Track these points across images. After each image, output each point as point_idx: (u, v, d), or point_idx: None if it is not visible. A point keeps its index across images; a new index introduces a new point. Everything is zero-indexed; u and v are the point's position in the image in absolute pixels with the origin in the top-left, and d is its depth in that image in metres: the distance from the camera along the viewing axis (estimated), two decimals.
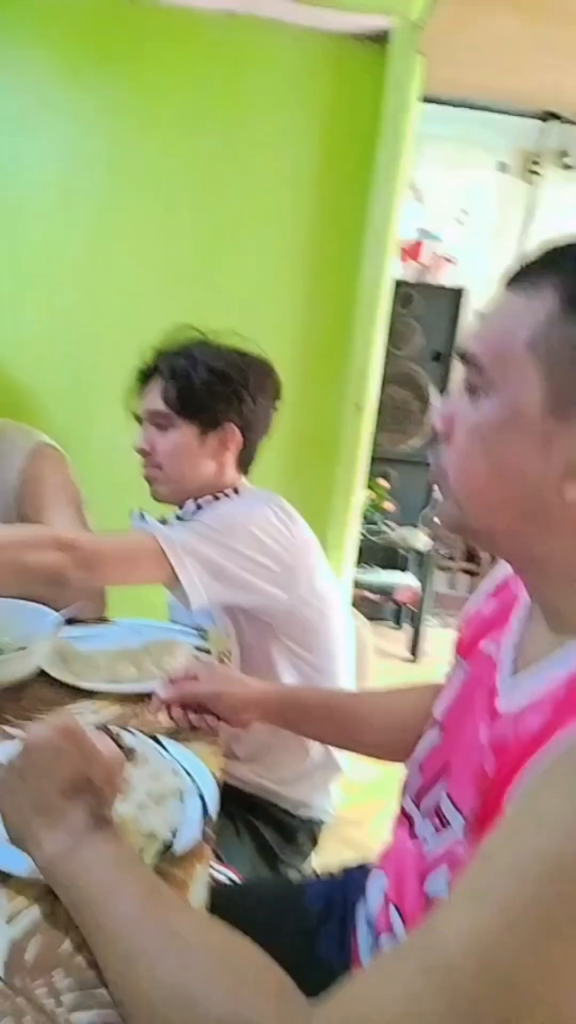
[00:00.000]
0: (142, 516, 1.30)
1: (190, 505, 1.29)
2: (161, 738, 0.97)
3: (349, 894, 0.86)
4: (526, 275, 0.57)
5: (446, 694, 0.77)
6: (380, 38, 2.27)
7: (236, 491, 1.32)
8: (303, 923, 0.89)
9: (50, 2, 2.22)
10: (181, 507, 1.31)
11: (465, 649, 0.77)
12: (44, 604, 1.13)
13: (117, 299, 2.39)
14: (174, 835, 0.79)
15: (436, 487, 0.65)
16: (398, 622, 4.18)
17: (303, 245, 2.43)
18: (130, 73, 2.29)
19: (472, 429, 0.59)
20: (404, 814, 0.78)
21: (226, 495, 1.30)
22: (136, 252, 2.39)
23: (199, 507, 1.28)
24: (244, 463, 1.34)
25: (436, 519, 0.66)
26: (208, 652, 1.27)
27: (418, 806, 0.75)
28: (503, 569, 0.79)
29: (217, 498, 1.29)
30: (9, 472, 1.40)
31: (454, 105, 3.58)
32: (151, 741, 0.96)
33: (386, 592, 3.80)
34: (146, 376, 1.32)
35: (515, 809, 0.50)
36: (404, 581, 3.85)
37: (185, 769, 0.92)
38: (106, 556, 1.10)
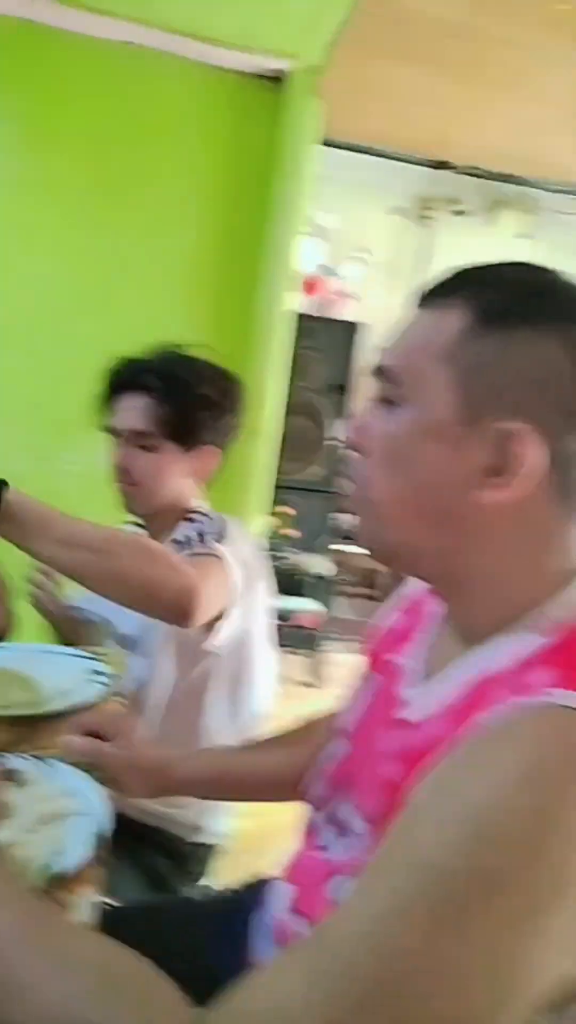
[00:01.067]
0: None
1: (190, 532, 1.23)
2: (52, 761, 0.95)
3: (246, 907, 0.86)
4: (435, 295, 0.61)
5: (353, 705, 0.78)
6: (279, 79, 2.36)
7: (206, 514, 1.29)
8: (197, 938, 0.88)
9: None
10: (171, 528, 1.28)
11: (373, 661, 0.78)
12: None
13: (13, 323, 2.35)
14: (62, 857, 0.77)
15: (353, 507, 0.64)
16: (300, 647, 4.21)
17: (204, 274, 2.47)
18: (26, 96, 2.28)
19: (389, 440, 0.60)
20: (308, 824, 0.79)
21: (208, 517, 1.27)
22: (32, 278, 2.37)
23: (201, 537, 1.22)
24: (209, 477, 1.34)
25: (357, 540, 0.65)
26: (106, 675, 1.25)
27: (323, 815, 0.76)
28: (413, 585, 0.80)
29: (200, 520, 1.26)
30: None
31: (352, 149, 3.74)
32: (42, 764, 0.94)
33: (287, 618, 3.83)
34: (121, 387, 1.26)
35: (411, 807, 0.51)
36: (306, 607, 3.89)
37: (77, 791, 0.90)
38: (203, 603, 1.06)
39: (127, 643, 1.33)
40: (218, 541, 1.19)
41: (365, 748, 0.71)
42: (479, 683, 0.58)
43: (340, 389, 3.85)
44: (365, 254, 3.95)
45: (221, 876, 1.35)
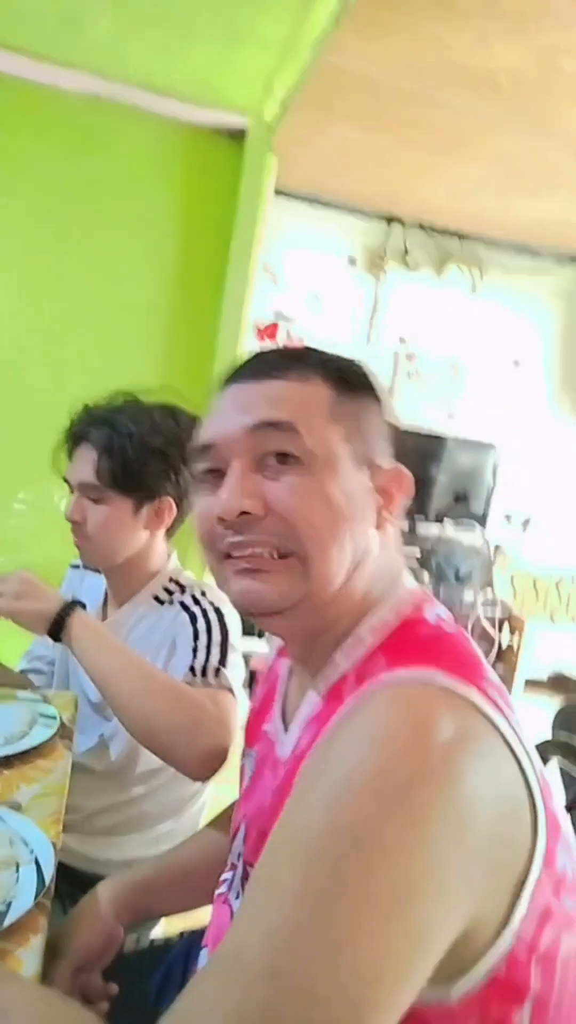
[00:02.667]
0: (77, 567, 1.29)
1: (198, 643, 1.16)
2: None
3: (188, 959, 0.85)
4: (287, 368, 0.66)
5: (245, 789, 0.79)
6: (237, 135, 2.44)
7: (181, 585, 1.26)
8: (142, 985, 0.86)
9: None
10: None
11: (251, 739, 0.82)
12: None
13: None
14: (8, 907, 0.75)
15: (285, 568, 0.63)
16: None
17: (161, 320, 2.51)
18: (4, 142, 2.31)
19: (325, 493, 0.62)
20: (222, 898, 0.78)
21: (202, 608, 1.21)
22: None
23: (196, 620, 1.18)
24: (174, 529, 1.30)
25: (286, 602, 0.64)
26: (52, 717, 1.22)
27: (236, 873, 0.76)
28: (264, 661, 0.85)
29: (196, 610, 1.21)
30: None
31: (308, 201, 3.86)
32: None
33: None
34: (77, 438, 1.24)
35: (285, 805, 0.54)
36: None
37: (22, 839, 0.88)
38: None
39: (94, 707, 1.31)
40: (222, 642, 1.14)
41: (259, 815, 0.72)
42: (329, 694, 0.64)
43: None
44: (319, 302, 4.05)
45: (167, 924, 1.31)
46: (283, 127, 2.43)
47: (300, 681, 0.72)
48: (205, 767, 0.99)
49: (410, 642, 0.61)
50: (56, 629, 1.06)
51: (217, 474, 0.66)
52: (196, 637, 1.14)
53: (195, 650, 1.12)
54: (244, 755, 0.83)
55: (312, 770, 0.54)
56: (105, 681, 1.04)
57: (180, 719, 1.00)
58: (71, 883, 1.19)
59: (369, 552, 0.66)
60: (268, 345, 3.95)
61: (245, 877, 0.73)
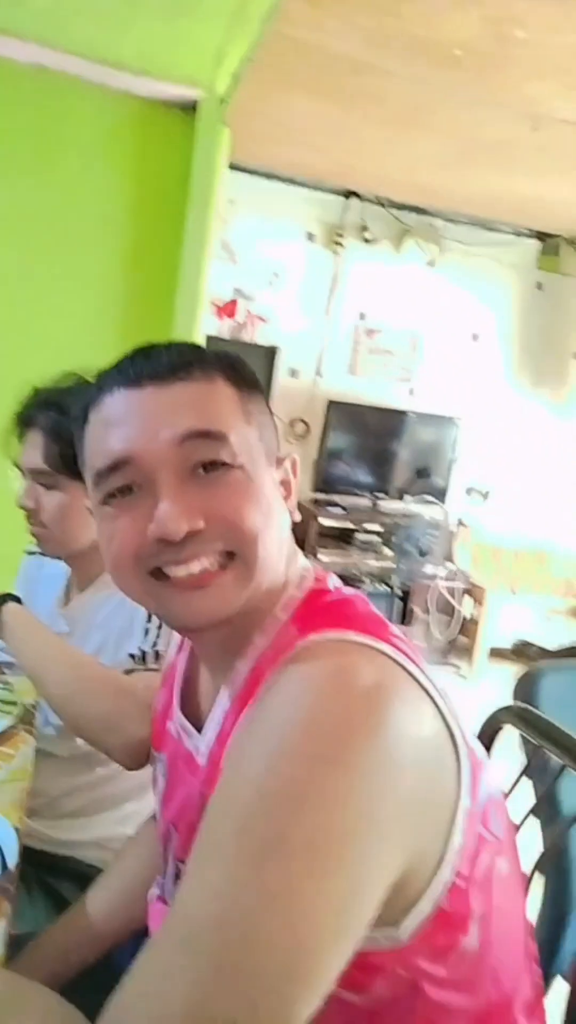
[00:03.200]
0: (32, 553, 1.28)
1: (149, 624, 1.14)
2: None
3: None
4: (190, 368, 0.64)
5: (164, 793, 0.78)
6: (189, 107, 2.39)
7: None
8: (107, 963, 0.87)
9: None
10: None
11: (158, 743, 0.81)
12: None
13: None
14: None
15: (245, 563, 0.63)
16: None
17: (116, 297, 2.47)
18: None
19: (256, 495, 0.63)
20: (157, 898, 0.79)
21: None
22: None
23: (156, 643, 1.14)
24: None
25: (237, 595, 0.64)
26: (13, 704, 1.22)
27: (171, 892, 0.76)
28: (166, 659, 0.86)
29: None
30: None
31: (264, 176, 3.81)
32: None
33: None
34: (25, 423, 1.21)
35: (219, 780, 0.55)
36: None
37: None
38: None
39: None
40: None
41: (183, 815, 0.72)
42: (250, 674, 0.64)
43: None
44: (277, 279, 4.02)
45: None
46: (236, 99, 2.39)
47: (212, 677, 0.72)
48: (133, 758, 1.00)
49: (317, 611, 0.64)
50: None
51: (136, 490, 0.62)
52: (150, 618, 1.14)
53: (147, 631, 1.12)
54: (153, 760, 0.83)
55: (242, 739, 0.56)
56: (35, 672, 1.06)
57: (107, 708, 1.00)
58: (39, 865, 1.20)
59: (285, 542, 0.68)
60: (224, 324, 3.92)
61: (178, 876, 0.73)
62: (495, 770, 0.64)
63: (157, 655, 1.10)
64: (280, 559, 0.67)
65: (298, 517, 0.71)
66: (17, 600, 1.11)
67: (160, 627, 1.13)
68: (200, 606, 0.62)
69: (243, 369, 0.69)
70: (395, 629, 0.62)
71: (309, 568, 0.71)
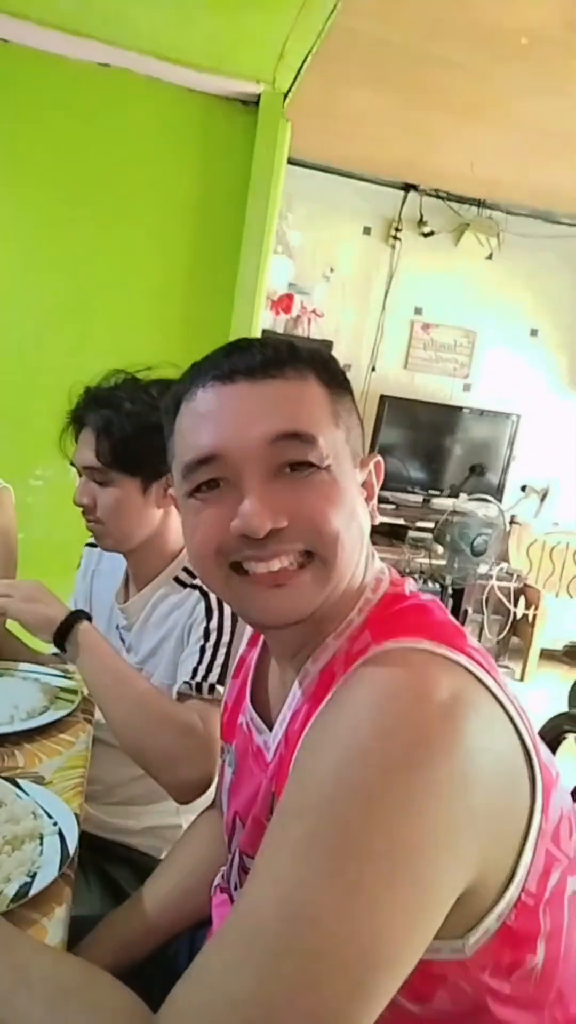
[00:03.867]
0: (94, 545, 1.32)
1: (206, 644, 1.15)
2: (20, 781, 0.95)
3: (207, 919, 0.86)
4: (283, 366, 0.64)
5: (231, 784, 0.79)
6: (251, 102, 2.40)
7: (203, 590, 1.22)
8: (163, 948, 0.88)
9: None
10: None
11: (228, 734, 0.83)
12: None
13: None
14: (32, 878, 0.77)
15: (319, 561, 0.64)
16: None
17: (175, 291, 2.49)
18: (1, 115, 2.29)
19: (340, 497, 0.63)
20: (220, 889, 0.80)
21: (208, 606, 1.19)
22: (3, 295, 2.38)
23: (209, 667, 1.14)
24: None
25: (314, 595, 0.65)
26: (74, 692, 1.24)
27: (235, 882, 0.77)
28: (241, 650, 0.86)
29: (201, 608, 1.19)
30: None
31: (322, 170, 3.80)
32: (9, 785, 0.93)
33: None
34: (78, 422, 1.23)
35: (289, 779, 0.55)
36: None
37: (45, 811, 0.90)
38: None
39: None
40: (229, 642, 1.15)
41: (249, 808, 0.72)
42: (321, 673, 0.64)
43: None
44: (333, 273, 4.00)
45: None
46: (297, 93, 2.38)
47: (283, 674, 0.72)
48: (185, 795, 1.04)
49: (393, 616, 0.64)
50: (60, 637, 1.09)
51: (223, 484, 0.63)
52: (207, 636, 1.15)
53: (202, 650, 1.14)
54: (222, 751, 0.84)
55: (314, 740, 0.56)
56: (100, 697, 1.09)
57: (165, 747, 1.04)
58: (94, 850, 1.22)
59: (364, 544, 0.68)
60: (279, 318, 3.91)
61: (242, 868, 0.74)
62: (567, 787, 0.62)
63: (212, 688, 1.10)
64: (359, 562, 0.67)
65: (378, 519, 0.71)
66: (88, 618, 1.12)
67: (215, 648, 1.14)
68: (277, 604, 0.63)
69: (335, 369, 0.68)
70: (471, 638, 0.61)
71: (385, 571, 0.70)
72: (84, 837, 0.88)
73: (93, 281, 2.41)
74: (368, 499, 0.70)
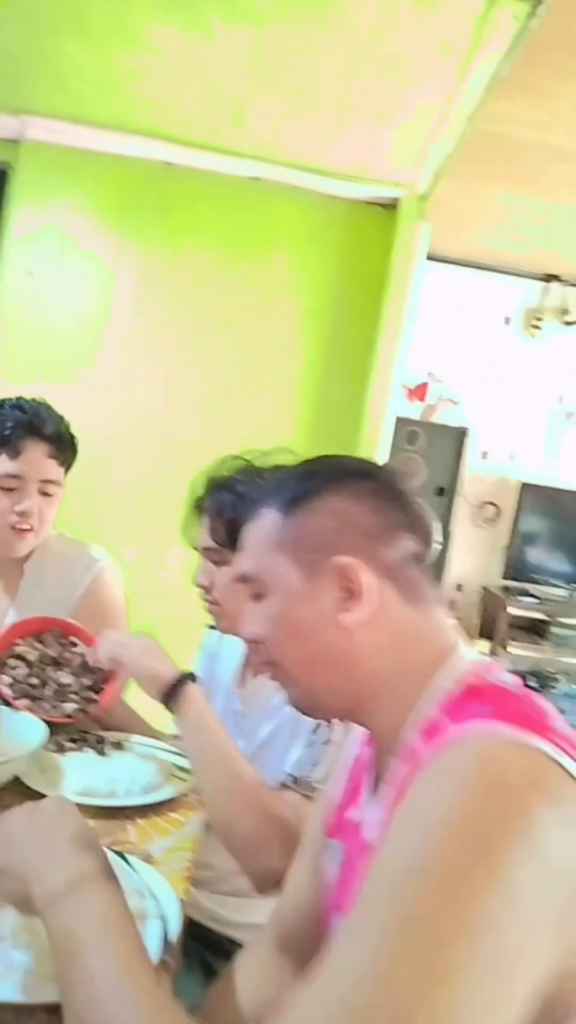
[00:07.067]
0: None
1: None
2: (130, 858, 0.95)
3: None
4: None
5: (336, 881, 0.77)
6: (391, 205, 2.51)
7: None
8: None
9: (93, 163, 2.48)
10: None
11: (333, 830, 0.80)
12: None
13: (132, 423, 2.53)
14: None
15: (280, 682, 0.76)
16: None
17: (313, 382, 2.59)
18: (163, 225, 2.54)
19: (277, 625, 0.72)
20: None
21: None
22: (152, 384, 2.58)
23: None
24: None
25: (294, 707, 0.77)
26: (188, 771, 1.25)
27: None
28: (350, 749, 0.85)
29: None
30: (73, 587, 1.53)
31: (462, 265, 3.87)
32: (121, 860, 0.94)
33: None
34: (196, 508, 1.29)
35: (377, 857, 0.56)
36: None
37: (151, 892, 0.89)
38: None
39: None
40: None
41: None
42: (405, 770, 0.65)
43: (444, 493, 3.85)
44: (471, 362, 4.00)
45: None
46: (436, 195, 2.47)
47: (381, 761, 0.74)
48: (265, 885, 1.00)
49: (471, 702, 0.64)
50: (168, 697, 1.10)
51: None
52: (316, 730, 1.12)
53: (310, 744, 1.11)
54: (324, 847, 0.80)
55: (398, 824, 0.56)
56: (195, 762, 1.09)
57: (250, 831, 1.01)
58: (201, 941, 1.19)
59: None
60: (416, 407, 3.95)
61: None
62: None
63: (311, 784, 1.07)
64: (333, 682, 0.72)
65: (367, 614, 0.71)
66: (195, 679, 1.13)
67: (323, 744, 1.11)
68: None
69: (288, 487, 0.76)
70: (558, 722, 0.60)
71: (475, 662, 0.70)
72: (192, 926, 0.87)
73: (237, 370, 2.57)
74: (348, 599, 0.70)
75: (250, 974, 0.87)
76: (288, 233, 2.56)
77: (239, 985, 0.86)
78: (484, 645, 3.74)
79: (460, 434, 3.91)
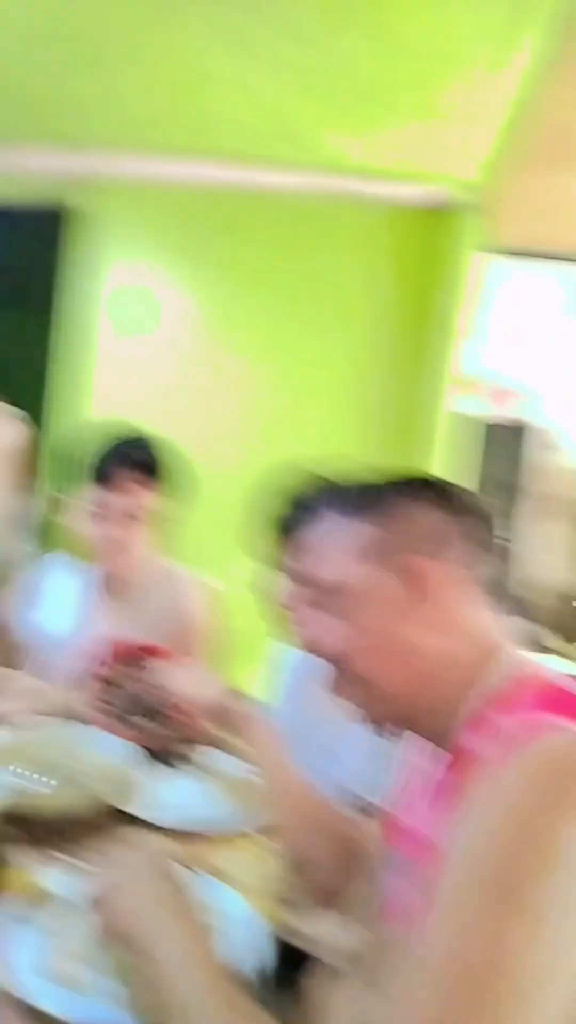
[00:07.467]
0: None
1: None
2: (220, 883, 0.95)
3: None
4: (304, 519, 0.75)
5: (387, 888, 0.78)
6: (450, 204, 2.48)
7: None
8: None
9: (161, 192, 2.56)
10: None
11: (391, 838, 0.82)
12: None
13: (219, 436, 2.58)
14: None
15: (359, 704, 0.76)
16: None
17: (372, 382, 2.60)
18: (230, 244, 2.62)
19: (359, 634, 0.73)
20: None
21: None
22: (224, 381, 2.65)
23: None
24: None
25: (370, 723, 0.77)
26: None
27: None
28: (404, 756, 0.86)
29: None
30: (174, 610, 1.55)
31: (520, 255, 3.77)
32: (210, 884, 0.93)
33: None
34: (285, 528, 1.24)
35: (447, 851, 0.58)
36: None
37: (241, 918, 0.88)
38: None
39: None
40: None
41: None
42: (457, 773, 0.66)
43: (507, 488, 3.79)
44: (538, 354, 3.91)
45: None
46: (489, 189, 2.42)
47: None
48: (324, 902, 0.98)
49: (520, 697, 0.66)
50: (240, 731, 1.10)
51: None
52: (382, 744, 1.10)
53: (371, 759, 1.11)
54: (383, 855, 0.82)
55: (470, 820, 0.58)
56: (267, 796, 1.06)
57: (320, 857, 0.97)
58: (293, 964, 1.18)
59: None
60: (479, 403, 3.87)
61: None
62: None
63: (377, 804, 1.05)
64: (420, 693, 0.72)
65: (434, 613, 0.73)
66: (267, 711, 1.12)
67: (383, 758, 1.09)
68: None
69: (353, 503, 0.78)
70: None
71: (523, 661, 0.72)
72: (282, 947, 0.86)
73: (294, 380, 2.61)
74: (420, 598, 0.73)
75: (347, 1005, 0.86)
76: (341, 239, 2.59)
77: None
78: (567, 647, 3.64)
79: (521, 429, 3.83)
